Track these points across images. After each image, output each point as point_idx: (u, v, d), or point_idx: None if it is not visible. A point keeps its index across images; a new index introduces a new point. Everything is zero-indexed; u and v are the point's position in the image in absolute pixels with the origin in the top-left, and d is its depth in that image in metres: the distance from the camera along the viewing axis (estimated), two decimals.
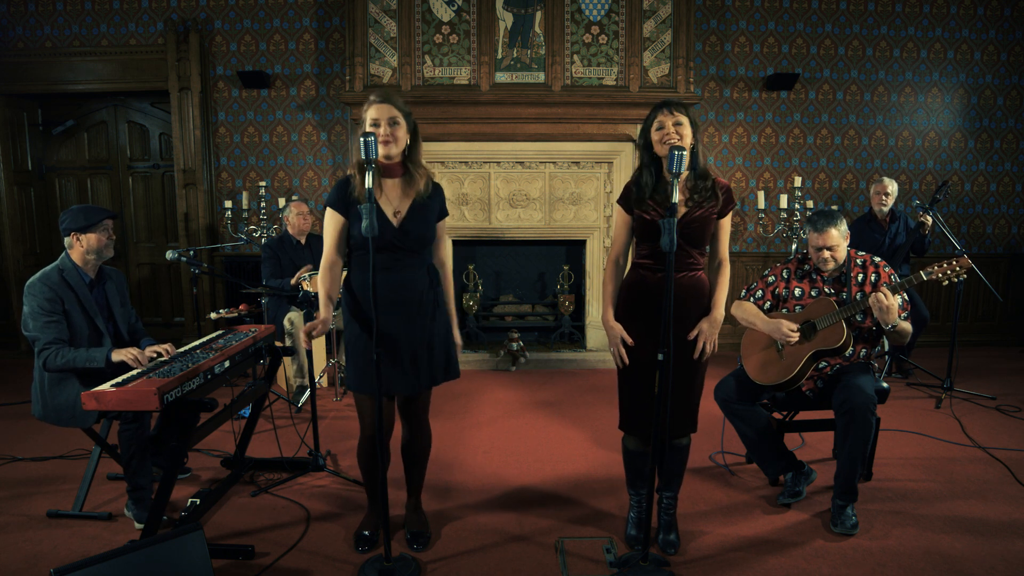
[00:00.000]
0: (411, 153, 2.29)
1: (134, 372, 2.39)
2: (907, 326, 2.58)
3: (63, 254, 2.69)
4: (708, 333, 2.28)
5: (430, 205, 2.32)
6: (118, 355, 2.53)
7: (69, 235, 2.64)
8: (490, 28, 4.95)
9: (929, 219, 4.40)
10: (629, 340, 2.29)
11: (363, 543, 2.45)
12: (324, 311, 2.32)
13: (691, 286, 2.30)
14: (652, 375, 2.23)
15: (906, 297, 2.71)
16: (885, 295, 2.49)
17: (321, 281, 2.34)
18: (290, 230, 4.47)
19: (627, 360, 2.30)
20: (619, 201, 2.38)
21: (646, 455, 2.42)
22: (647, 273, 2.32)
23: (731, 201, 2.30)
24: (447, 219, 2.44)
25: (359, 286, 2.30)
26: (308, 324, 2.31)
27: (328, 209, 2.30)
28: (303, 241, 4.48)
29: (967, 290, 5.66)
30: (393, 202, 2.28)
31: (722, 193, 2.27)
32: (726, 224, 2.32)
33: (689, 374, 2.31)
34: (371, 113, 2.20)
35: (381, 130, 2.17)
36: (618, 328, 2.31)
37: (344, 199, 2.27)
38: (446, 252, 2.50)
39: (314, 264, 4.39)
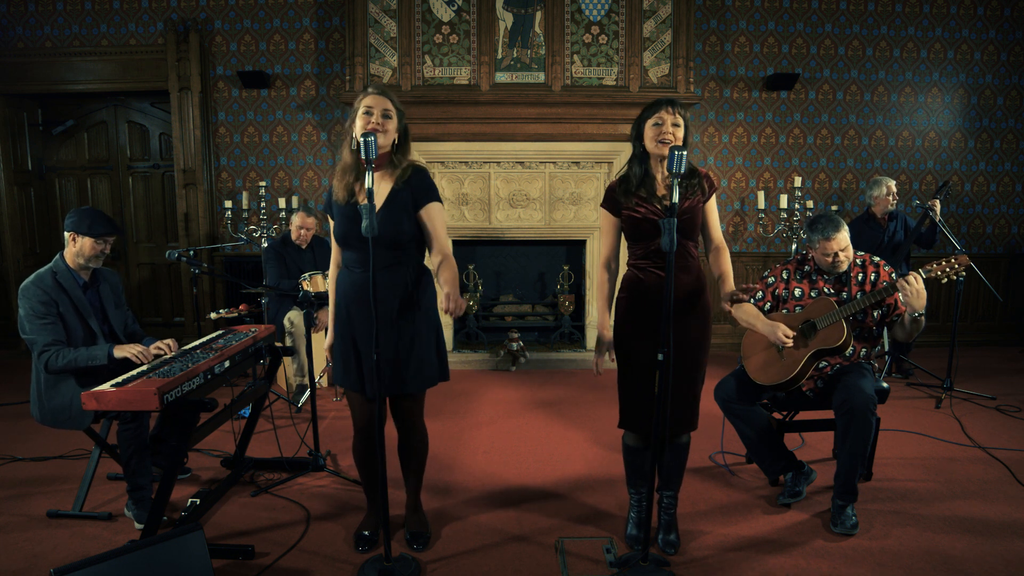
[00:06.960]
0: (399, 151, 2.27)
1: (134, 372, 2.39)
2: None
3: (58, 254, 2.69)
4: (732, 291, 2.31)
5: (402, 197, 2.21)
6: (120, 351, 2.53)
7: (68, 233, 2.64)
8: (490, 28, 4.94)
9: (938, 204, 4.38)
10: (611, 361, 2.39)
11: (363, 543, 2.45)
12: None
13: (689, 284, 2.30)
14: (652, 374, 2.24)
15: None
16: (915, 278, 2.44)
17: (331, 283, 2.41)
18: (292, 236, 4.48)
19: (600, 369, 2.39)
20: (603, 205, 2.39)
21: (646, 452, 2.43)
22: (644, 274, 2.32)
23: (713, 185, 2.35)
24: (439, 207, 2.24)
25: (336, 284, 2.37)
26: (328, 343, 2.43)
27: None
28: (304, 245, 4.49)
29: (967, 290, 5.66)
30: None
31: (705, 182, 2.32)
32: (712, 208, 2.36)
33: (689, 372, 2.31)
34: (366, 101, 2.19)
35: (373, 118, 2.16)
36: (607, 340, 2.37)
37: (328, 201, 2.35)
38: (443, 242, 2.25)
39: (316, 267, 4.40)
